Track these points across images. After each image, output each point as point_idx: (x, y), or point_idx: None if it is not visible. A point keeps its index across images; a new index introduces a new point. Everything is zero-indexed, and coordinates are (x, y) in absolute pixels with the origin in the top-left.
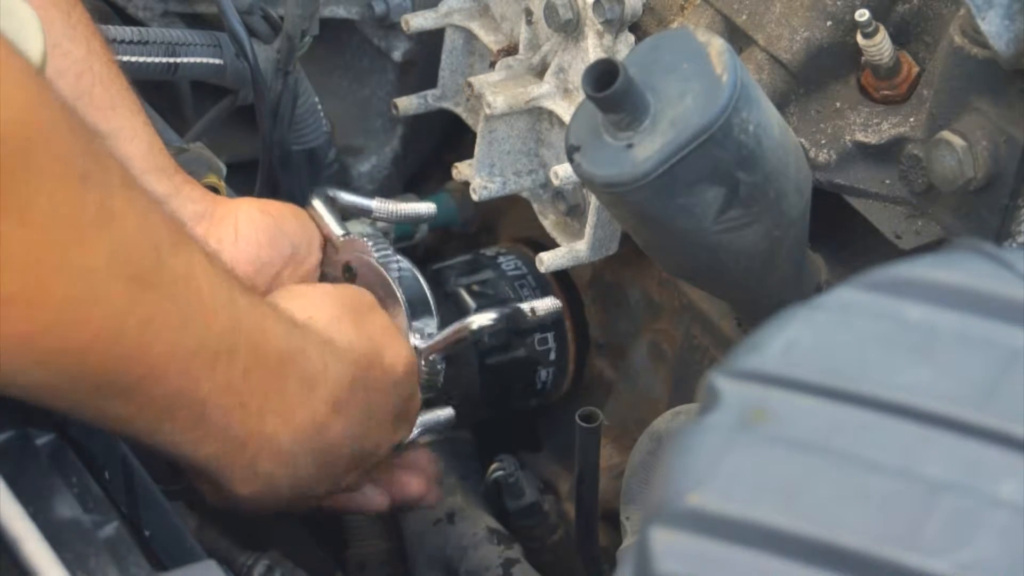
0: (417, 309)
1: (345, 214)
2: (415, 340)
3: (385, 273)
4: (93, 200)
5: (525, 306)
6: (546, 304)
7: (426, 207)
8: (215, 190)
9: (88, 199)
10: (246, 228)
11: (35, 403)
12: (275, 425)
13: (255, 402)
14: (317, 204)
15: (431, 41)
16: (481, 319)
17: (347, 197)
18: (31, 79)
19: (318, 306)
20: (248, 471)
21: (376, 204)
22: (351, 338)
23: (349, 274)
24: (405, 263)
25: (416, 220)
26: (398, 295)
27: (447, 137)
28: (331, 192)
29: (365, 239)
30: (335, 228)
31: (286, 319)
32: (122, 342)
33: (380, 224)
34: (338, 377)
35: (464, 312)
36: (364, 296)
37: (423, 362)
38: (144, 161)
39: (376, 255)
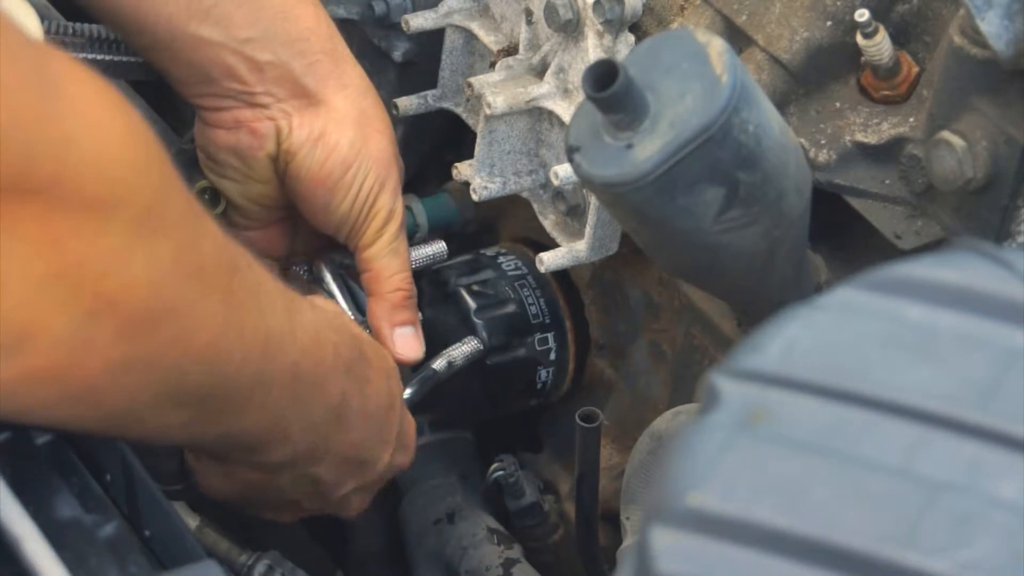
0: None
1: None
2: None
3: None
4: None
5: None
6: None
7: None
8: (214, 192)
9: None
10: (328, 151)
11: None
12: (360, 390)
13: (341, 374)
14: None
15: (431, 41)
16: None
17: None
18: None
19: None
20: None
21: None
22: None
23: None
24: None
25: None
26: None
27: (447, 137)
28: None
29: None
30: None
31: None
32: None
33: None
34: (342, 343)
35: (465, 311)
36: None
37: None
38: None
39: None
